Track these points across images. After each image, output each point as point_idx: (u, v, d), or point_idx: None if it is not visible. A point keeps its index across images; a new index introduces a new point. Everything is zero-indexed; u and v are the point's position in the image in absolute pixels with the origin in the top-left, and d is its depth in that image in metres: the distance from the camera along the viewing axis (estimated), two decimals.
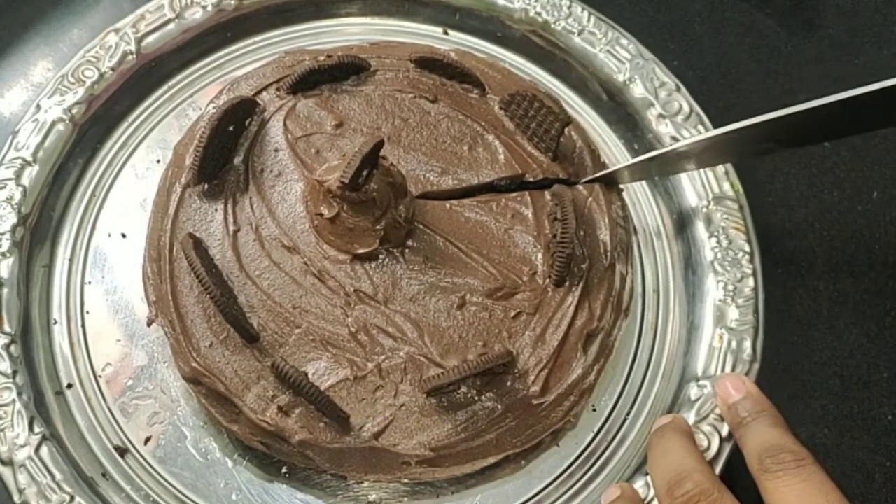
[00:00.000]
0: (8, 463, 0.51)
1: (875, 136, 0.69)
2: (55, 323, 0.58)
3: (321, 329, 0.52)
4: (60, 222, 0.61)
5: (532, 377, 0.52)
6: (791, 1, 0.75)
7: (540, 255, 0.55)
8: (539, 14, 0.68)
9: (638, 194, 0.64)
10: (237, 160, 0.57)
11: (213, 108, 0.58)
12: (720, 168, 0.61)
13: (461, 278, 0.54)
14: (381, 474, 0.51)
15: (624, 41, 0.66)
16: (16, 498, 0.50)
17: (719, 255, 0.59)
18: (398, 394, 0.51)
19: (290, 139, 0.58)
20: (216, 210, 0.56)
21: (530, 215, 0.56)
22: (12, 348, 0.55)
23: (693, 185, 0.62)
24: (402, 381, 0.51)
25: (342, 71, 0.60)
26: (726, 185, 0.61)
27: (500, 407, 0.51)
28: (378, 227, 0.53)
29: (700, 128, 0.63)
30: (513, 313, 0.53)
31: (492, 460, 0.52)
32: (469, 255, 0.55)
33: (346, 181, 0.50)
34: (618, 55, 0.66)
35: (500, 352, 0.51)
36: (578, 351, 0.53)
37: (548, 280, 0.54)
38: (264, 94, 0.60)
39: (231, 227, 0.55)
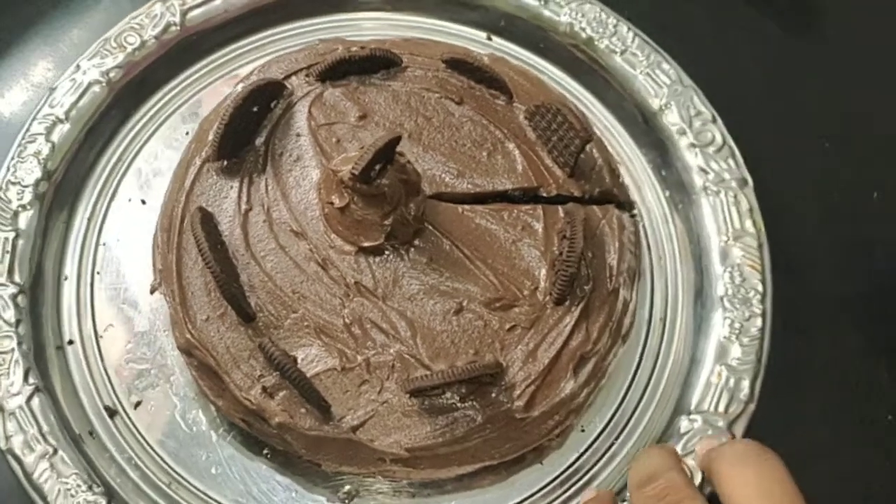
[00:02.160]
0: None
1: (875, 136, 0.69)
2: (65, 279, 0.59)
3: (317, 317, 0.53)
4: (84, 182, 0.62)
5: (518, 391, 0.51)
6: (791, 1, 0.74)
7: (544, 271, 0.54)
8: (584, 30, 0.67)
9: (658, 218, 0.63)
10: (258, 141, 0.58)
11: (242, 87, 0.59)
12: (744, 203, 0.60)
13: (462, 284, 0.54)
14: (356, 467, 0.51)
15: (666, 66, 0.65)
16: (2, 444, 0.52)
17: (730, 292, 0.58)
18: (382, 390, 0.51)
19: (313, 126, 0.58)
20: (231, 187, 0.56)
21: (540, 230, 0.56)
22: (19, 298, 0.56)
23: (715, 218, 0.60)
24: (388, 379, 0.51)
25: (373, 64, 0.61)
26: (749, 223, 0.60)
27: (480, 417, 0.50)
28: (386, 222, 0.53)
29: (729, 160, 0.62)
30: (508, 326, 0.53)
31: (468, 468, 0.52)
32: (473, 262, 0.54)
33: (357, 172, 0.50)
34: (657, 79, 0.65)
35: (489, 362, 0.51)
36: (569, 371, 0.52)
37: (548, 297, 0.54)
38: (293, 78, 0.60)
39: (243, 206, 0.56)
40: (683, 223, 0.63)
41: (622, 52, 0.66)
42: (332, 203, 0.54)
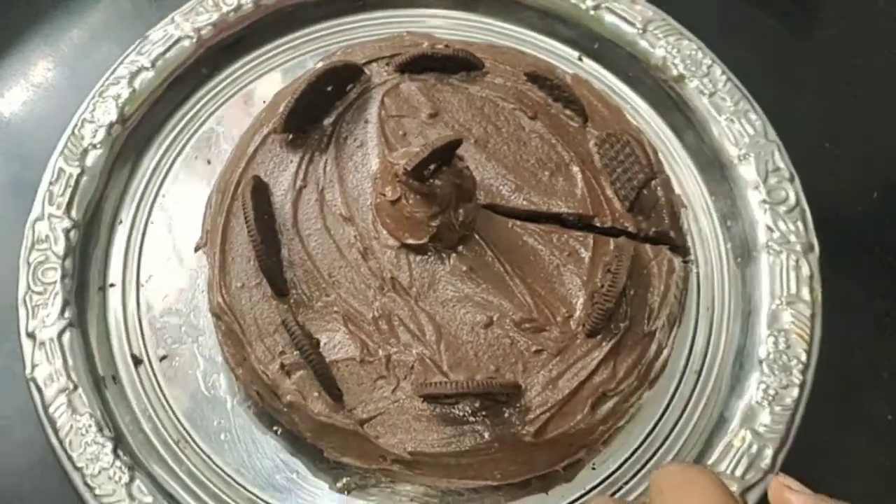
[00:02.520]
0: (31, 336, 0.54)
1: (875, 136, 0.69)
2: (120, 223, 0.61)
3: (347, 304, 0.53)
4: (157, 132, 0.64)
5: (531, 416, 0.50)
6: (791, 1, 0.74)
7: (582, 301, 0.53)
8: (677, 66, 0.66)
9: (714, 268, 0.61)
10: (327, 121, 0.58)
11: (321, 65, 0.59)
12: (805, 269, 0.58)
13: (497, 298, 0.53)
14: (357, 460, 0.51)
15: (752, 115, 0.63)
16: (27, 371, 0.53)
17: (772, 356, 0.56)
18: (397, 389, 0.51)
19: (383, 116, 0.58)
20: (291, 162, 0.57)
21: (587, 259, 0.55)
22: (72, 234, 0.57)
23: (771, 279, 0.58)
24: (404, 379, 0.51)
25: (454, 64, 0.60)
26: (805, 290, 0.58)
27: (488, 434, 0.50)
28: (433, 223, 0.53)
29: (799, 223, 0.60)
30: (535, 348, 0.52)
31: (469, 483, 0.51)
32: (513, 279, 0.54)
33: (410, 168, 0.50)
34: (741, 128, 0.63)
35: (508, 381, 0.50)
36: (587, 406, 0.51)
37: (581, 327, 0.53)
38: (374, 65, 0.61)
39: (298, 183, 0.56)
40: (739, 279, 0.61)
41: (710, 95, 0.64)
42: (384, 195, 0.54)
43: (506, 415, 0.50)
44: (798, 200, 0.60)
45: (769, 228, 0.60)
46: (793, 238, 0.59)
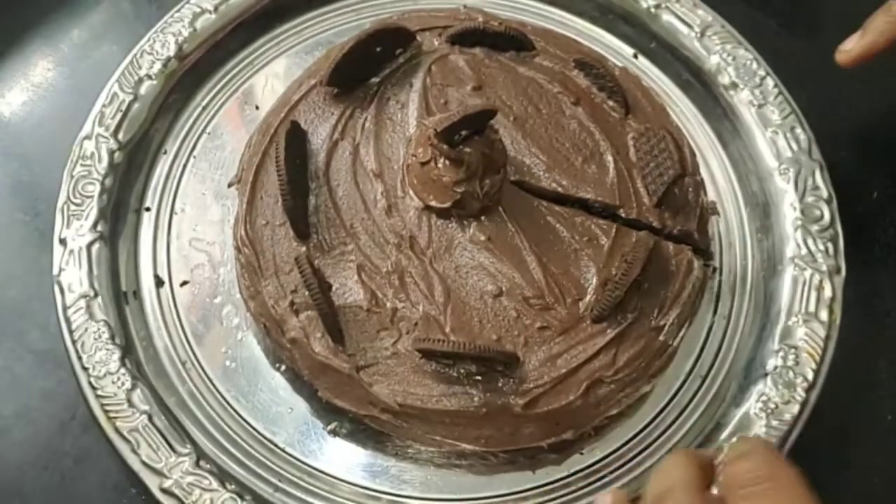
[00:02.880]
0: (63, 243, 0.57)
1: (875, 136, 0.70)
2: (164, 153, 0.63)
3: (364, 255, 0.54)
4: (212, 73, 0.66)
5: (524, 388, 0.51)
6: (791, 1, 0.73)
7: (594, 286, 0.54)
8: (730, 74, 0.65)
9: (738, 278, 0.61)
10: (373, 80, 0.60)
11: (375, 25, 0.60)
12: (828, 291, 0.57)
13: (510, 271, 0.54)
14: (347, 403, 0.52)
15: (799, 131, 0.63)
16: (55, 270, 0.56)
17: (779, 371, 0.55)
18: (398, 342, 0.52)
19: (428, 83, 0.59)
20: (332, 114, 0.58)
21: (606, 247, 0.55)
22: (116, 155, 0.60)
23: (792, 296, 0.58)
24: (407, 333, 0.52)
25: (505, 42, 0.61)
26: (824, 312, 0.57)
27: (478, 399, 0.50)
28: (458, 189, 0.54)
29: (829, 244, 0.59)
30: (539, 325, 0.52)
31: (451, 444, 0.52)
32: (529, 255, 0.54)
33: (439, 130, 0.51)
34: (786, 142, 0.63)
35: (507, 350, 0.51)
36: (582, 388, 0.51)
37: (589, 311, 0.53)
38: (427, 34, 0.62)
39: (336, 135, 0.57)
40: (762, 292, 0.60)
41: (760, 106, 0.64)
42: (415, 156, 0.55)
43: (499, 383, 0.51)
44: (832, 222, 0.60)
45: (798, 245, 0.59)
46: (820, 258, 0.59)
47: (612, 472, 0.55)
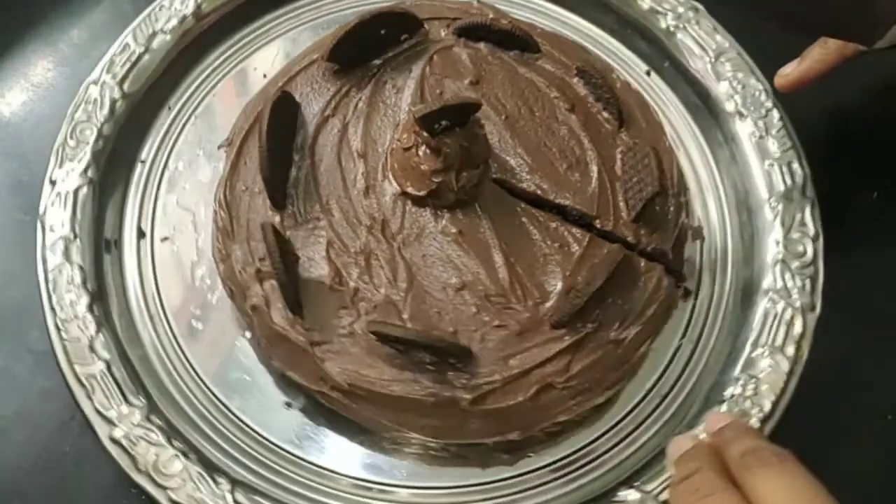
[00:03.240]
0: (52, 182, 0.58)
1: (875, 136, 0.69)
2: (168, 109, 0.64)
3: (335, 233, 0.55)
4: (226, 37, 0.67)
5: (473, 384, 0.51)
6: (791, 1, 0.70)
7: (557, 293, 0.54)
8: (737, 102, 0.65)
9: (714, 305, 0.61)
10: (375, 62, 0.60)
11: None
12: (797, 328, 0.57)
13: (476, 267, 0.54)
14: (299, 376, 0.53)
15: (796, 166, 0.62)
16: (41, 209, 0.57)
17: (736, 399, 0.55)
18: (356, 322, 0.52)
19: (427, 71, 0.60)
20: (328, 90, 0.59)
21: (576, 256, 0.55)
22: (118, 104, 0.61)
23: (761, 328, 0.57)
24: (366, 314, 0.52)
25: (511, 40, 0.61)
26: (791, 348, 0.56)
27: (427, 389, 0.51)
28: (434, 178, 0.54)
29: (807, 281, 0.59)
30: (497, 323, 0.53)
31: (395, 429, 0.52)
32: (497, 253, 0.54)
33: (418, 116, 0.51)
34: (781, 176, 0.62)
35: (461, 344, 0.51)
36: (531, 391, 0.51)
37: (548, 316, 0.53)
38: (435, 23, 0.62)
39: (328, 111, 0.58)
40: (734, 322, 0.60)
41: (760, 137, 0.63)
42: (400, 140, 0.55)
43: (450, 375, 0.51)
44: (814, 260, 0.59)
45: (774, 279, 0.59)
46: (795, 294, 0.58)
47: (558, 479, 0.55)
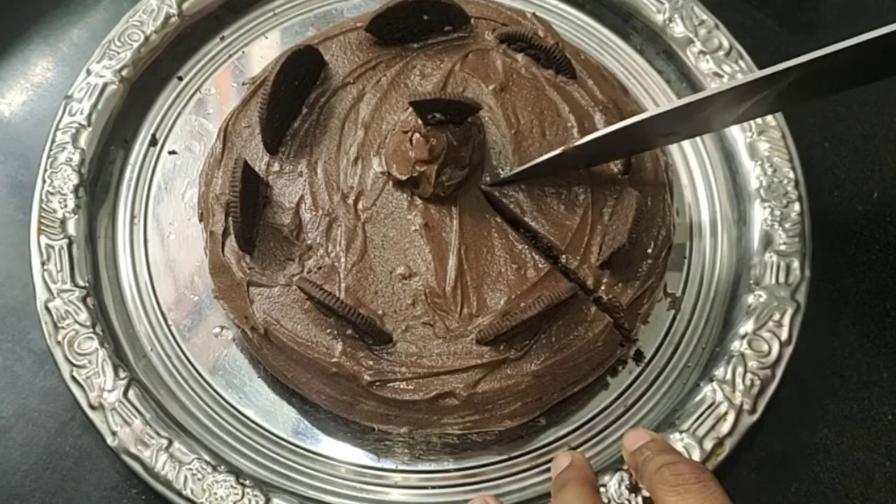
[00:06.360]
0: (88, 72, 0.62)
1: (875, 136, 0.70)
2: (221, 39, 0.67)
3: (311, 191, 0.56)
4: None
5: (379, 368, 0.52)
6: (791, 1, 0.72)
7: (494, 312, 0.53)
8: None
9: (662, 374, 0.59)
10: (414, 45, 0.61)
11: None
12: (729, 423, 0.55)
13: (427, 265, 0.54)
14: (227, 307, 0.55)
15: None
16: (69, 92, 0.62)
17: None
18: (296, 277, 0.54)
19: (457, 67, 0.61)
20: (358, 58, 0.61)
21: (529, 283, 0.54)
22: (172, 20, 0.65)
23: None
24: (308, 272, 0.54)
25: (550, 59, 0.61)
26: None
27: (335, 357, 0.52)
28: (417, 167, 0.55)
29: None
30: (425, 320, 0.53)
31: (294, 387, 0.55)
32: (454, 256, 0.55)
33: (412, 102, 0.52)
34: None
35: (381, 329, 0.52)
36: (431, 394, 0.51)
37: (476, 332, 0.53)
38: (483, 23, 0.63)
39: (350, 78, 0.60)
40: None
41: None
42: (402, 123, 0.56)
43: (361, 354, 0.52)
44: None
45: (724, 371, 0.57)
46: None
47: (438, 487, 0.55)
